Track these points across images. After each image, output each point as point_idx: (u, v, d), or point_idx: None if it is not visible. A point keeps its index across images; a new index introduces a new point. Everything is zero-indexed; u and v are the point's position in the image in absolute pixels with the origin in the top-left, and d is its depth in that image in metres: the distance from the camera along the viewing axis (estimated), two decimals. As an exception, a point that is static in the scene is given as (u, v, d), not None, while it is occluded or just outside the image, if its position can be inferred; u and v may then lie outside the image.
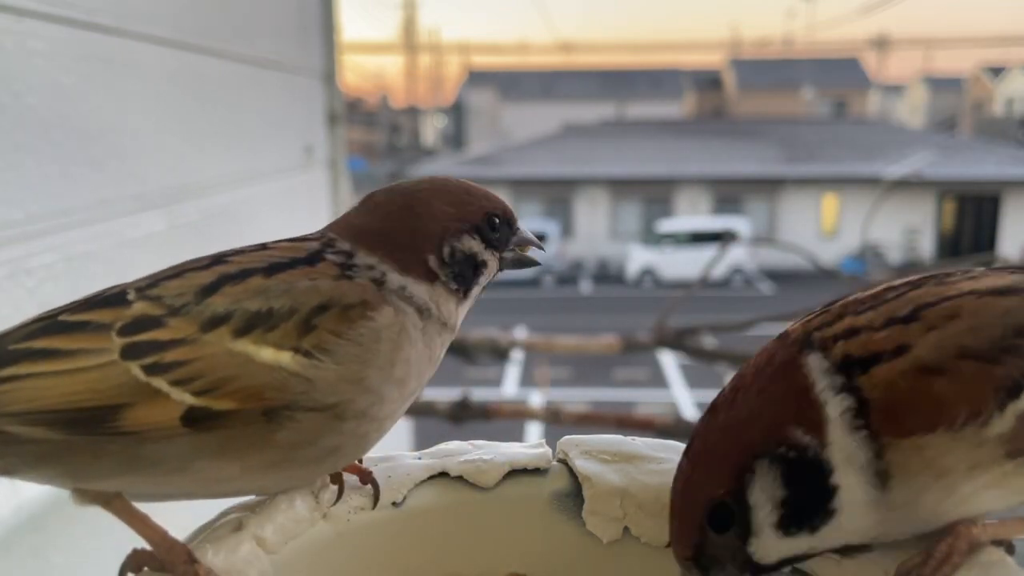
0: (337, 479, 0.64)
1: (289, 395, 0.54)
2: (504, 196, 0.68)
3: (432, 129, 41.28)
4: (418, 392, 0.62)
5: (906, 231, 19.99)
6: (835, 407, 0.52)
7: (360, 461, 0.66)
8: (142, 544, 0.57)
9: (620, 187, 21.14)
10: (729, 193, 20.97)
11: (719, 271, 15.64)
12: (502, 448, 0.68)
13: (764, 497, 0.52)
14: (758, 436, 0.52)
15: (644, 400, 10.69)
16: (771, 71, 35.97)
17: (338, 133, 2.84)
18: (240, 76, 1.98)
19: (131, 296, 0.57)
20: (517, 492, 0.64)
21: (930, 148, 20.71)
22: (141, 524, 0.57)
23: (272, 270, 0.58)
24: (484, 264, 0.66)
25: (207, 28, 1.74)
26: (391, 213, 0.63)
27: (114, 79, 1.34)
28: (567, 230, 20.79)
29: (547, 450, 0.68)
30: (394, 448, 0.71)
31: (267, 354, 0.54)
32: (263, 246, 0.61)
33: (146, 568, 0.56)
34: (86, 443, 0.53)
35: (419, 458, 0.68)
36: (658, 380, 11.64)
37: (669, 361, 11.98)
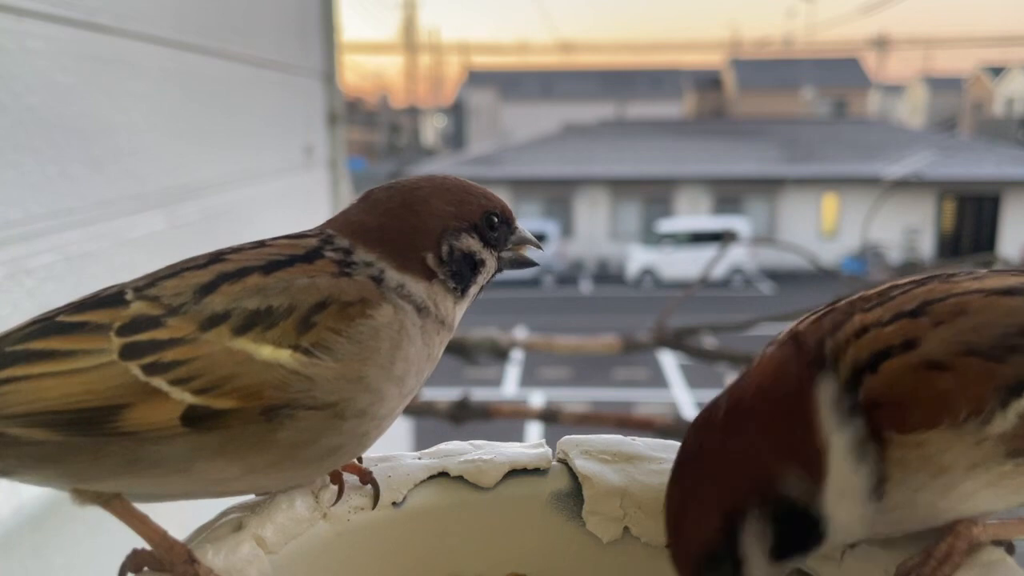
0: (337, 479, 0.64)
1: (289, 393, 0.53)
2: (504, 196, 0.68)
3: (432, 129, 41.28)
4: (416, 390, 0.62)
5: (906, 231, 19.99)
6: (842, 442, 0.51)
7: (360, 460, 0.66)
8: (142, 544, 0.57)
9: (620, 187, 21.13)
10: (729, 193, 20.97)
11: (719, 271, 15.64)
12: (502, 448, 0.68)
13: (755, 542, 0.52)
14: (751, 480, 0.52)
15: (644, 400, 10.68)
16: (771, 71, 35.97)
17: (338, 133, 2.84)
18: (240, 76, 1.98)
19: (129, 296, 0.56)
20: (517, 492, 0.64)
21: (930, 148, 20.71)
22: (140, 524, 0.57)
23: (270, 268, 0.57)
24: (482, 263, 0.65)
25: (207, 28, 1.74)
26: (390, 210, 0.63)
27: (114, 79, 1.34)
28: (567, 230, 20.79)
29: (547, 450, 0.67)
30: (394, 448, 0.71)
31: (266, 352, 0.53)
32: (261, 243, 0.61)
33: (146, 568, 0.56)
34: (86, 444, 0.53)
35: (419, 458, 0.68)
36: (658, 380, 11.64)
37: (669, 361, 11.97)
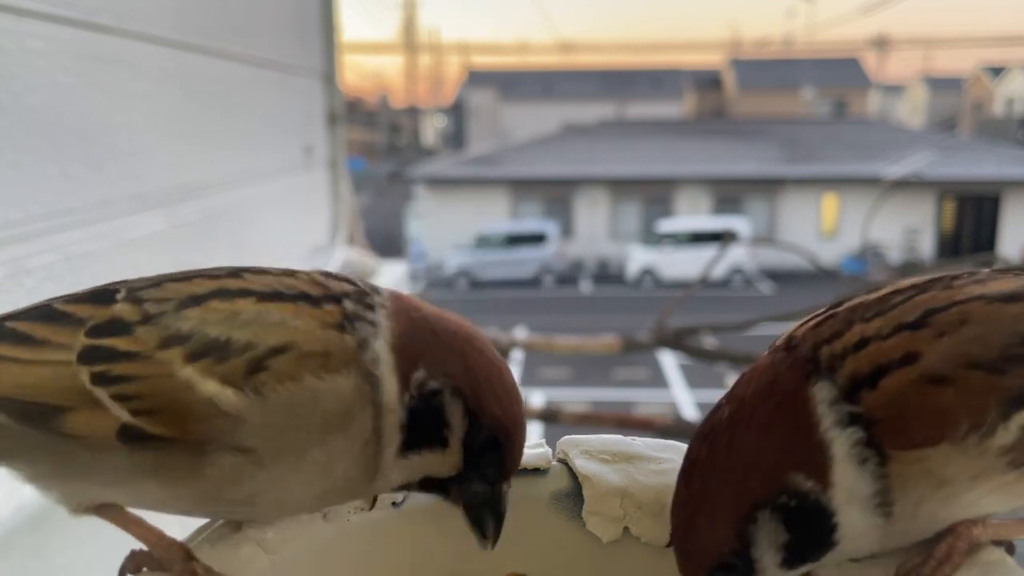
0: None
1: (218, 432, 0.51)
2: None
3: (432, 129, 41.29)
4: (326, 505, 0.58)
5: (906, 231, 19.99)
6: (842, 445, 0.51)
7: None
8: (141, 545, 0.57)
9: (620, 187, 21.13)
10: (729, 193, 20.97)
11: (719, 271, 15.64)
12: (502, 448, 0.68)
13: (767, 545, 0.52)
14: (759, 486, 0.52)
15: (644, 400, 10.69)
16: (771, 71, 35.97)
17: (338, 133, 2.84)
18: (240, 76, 1.98)
19: (120, 295, 0.56)
20: (517, 492, 0.64)
21: (930, 148, 20.71)
22: (136, 528, 0.57)
23: (271, 297, 0.55)
24: (440, 444, 0.56)
25: (207, 28, 1.74)
26: (438, 315, 0.58)
27: (114, 79, 1.34)
28: (567, 230, 20.79)
29: (547, 450, 0.67)
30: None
31: (210, 387, 0.51)
32: (292, 272, 0.58)
33: (145, 568, 0.56)
34: (38, 438, 0.53)
35: (419, 458, 0.67)
36: (658, 380, 11.64)
37: (669, 361, 11.98)
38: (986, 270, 0.57)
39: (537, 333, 6.53)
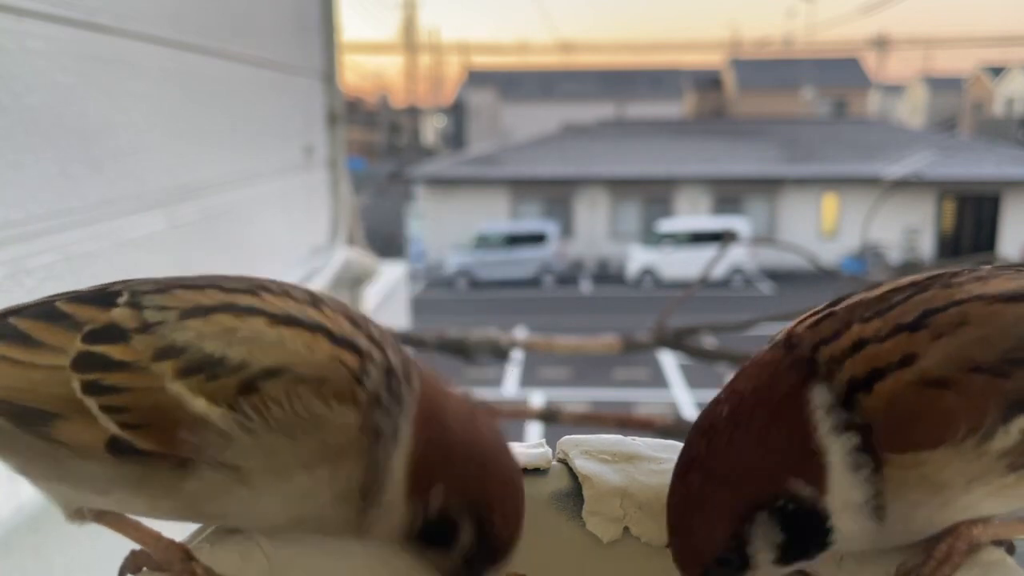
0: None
1: (204, 449, 0.51)
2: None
3: (432, 129, 41.30)
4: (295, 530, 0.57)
5: (906, 231, 19.99)
6: (837, 451, 0.51)
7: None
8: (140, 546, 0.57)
9: (620, 187, 21.14)
10: (729, 193, 20.97)
11: (719, 271, 15.65)
12: (502, 448, 0.68)
13: (763, 545, 0.53)
14: (757, 488, 0.52)
15: (644, 400, 10.68)
16: (771, 71, 35.97)
17: (338, 133, 2.84)
18: (240, 76, 1.98)
19: (122, 298, 0.55)
20: (517, 492, 0.64)
21: (930, 148, 20.71)
22: (135, 531, 0.57)
23: (283, 321, 0.53)
24: (444, 550, 0.55)
25: (207, 28, 1.74)
26: (451, 428, 0.56)
27: (114, 79, 1.34)
28: (567, 230, 20.79)
29: (547, 450, 0.67)
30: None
31: (199, 405, 0.50)
32: (317, 304, 0.56)
33: (145, 568, 0.56)
34: (29, 440, 0.53)
35: (419, 458, 0.67)
36: (658, 380, 11.64)
37: (669, 361, 11.98)
38: (987, 267, 0.56)
39: (537, 333, 6.53)
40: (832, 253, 17.98)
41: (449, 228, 20.13)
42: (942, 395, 0.49)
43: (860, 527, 0.52)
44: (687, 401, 10.69)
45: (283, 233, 2.32)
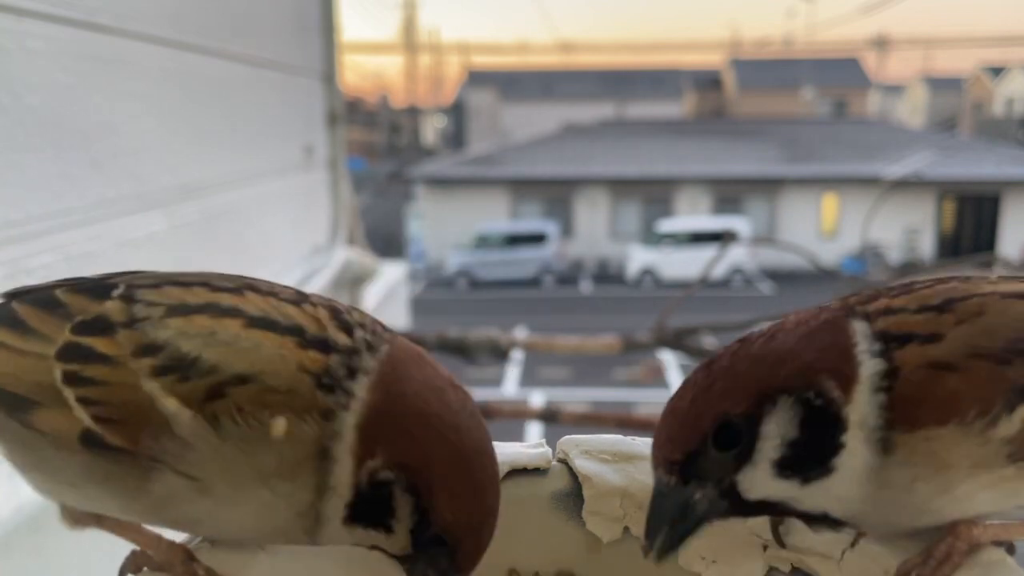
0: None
1: (168, 453, 0.50)
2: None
3: (432, 129, 41.30)
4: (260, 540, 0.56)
5: (906, 231, 20.00)
6: (868, 368, 0.52)
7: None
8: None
9: (620, 187, 21.14)
10: (729, 193, 20.97)
11: (719, 271, 15.65)
12: (502, 448, 0.68)
13: (776, 431, 0.52)
14: (791, 372, 0.52)
15: (644, 400, 10.68)
16: (771, 71, 35.97)
17: (338, 133, 2.85)
18: (240, 76, 1.98)
19: (116, 291, 0.55)
20: (517, 492, 0.64)
21: (930, 148, 20.72)
22: (134, 534, 0.57)
23: (260, 323, 0.53)
24: (385, 528, 0.53)
25: (207, 28, 1.74)
26: (410, 392, 0.53)
27: (114, 79, 1.34)
28: (567, 230, 20.79)
29: (547, 450, 0.67)
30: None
31: (170, 405, 0.50)
32: (302, 299, 0.55)
33: (145, 568, 0.56)
34: (14, 427, 0.53)
35: (419, 458, 0.67)
36: (658, 380, 11.64)
37: (669, 361, 11.98)
38: (994, 275, 0.58)
39: (537, 333, 6.54)
40: (832, 253, 17.99)
41: (449, 228, 20.13)
42: (953, 377, 0.50)
43: (866, 459, 0.52)
44: (687, 401, 10.67)
45: (283, 233, 2.32)
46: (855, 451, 0.52)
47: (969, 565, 0.53)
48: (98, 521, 0.56)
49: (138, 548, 0.57)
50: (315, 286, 2.35)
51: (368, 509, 0.52)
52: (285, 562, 0.60)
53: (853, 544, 0.58)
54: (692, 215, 20.36)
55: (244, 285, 0.56)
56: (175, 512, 0.53)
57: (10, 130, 1.06)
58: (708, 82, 38.39)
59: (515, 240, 19.24)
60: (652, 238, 19.23)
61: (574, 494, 0.65)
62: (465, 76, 37.04)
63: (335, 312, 0.55)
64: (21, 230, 1.08)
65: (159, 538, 0.56)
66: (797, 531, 0.60)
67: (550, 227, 19.60)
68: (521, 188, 20.96)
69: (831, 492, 0.53)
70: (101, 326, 0.53)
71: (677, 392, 0.55)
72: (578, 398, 10.09)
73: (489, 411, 2.86)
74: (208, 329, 0.52)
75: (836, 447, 0.52)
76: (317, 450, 0.51)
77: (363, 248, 3.15)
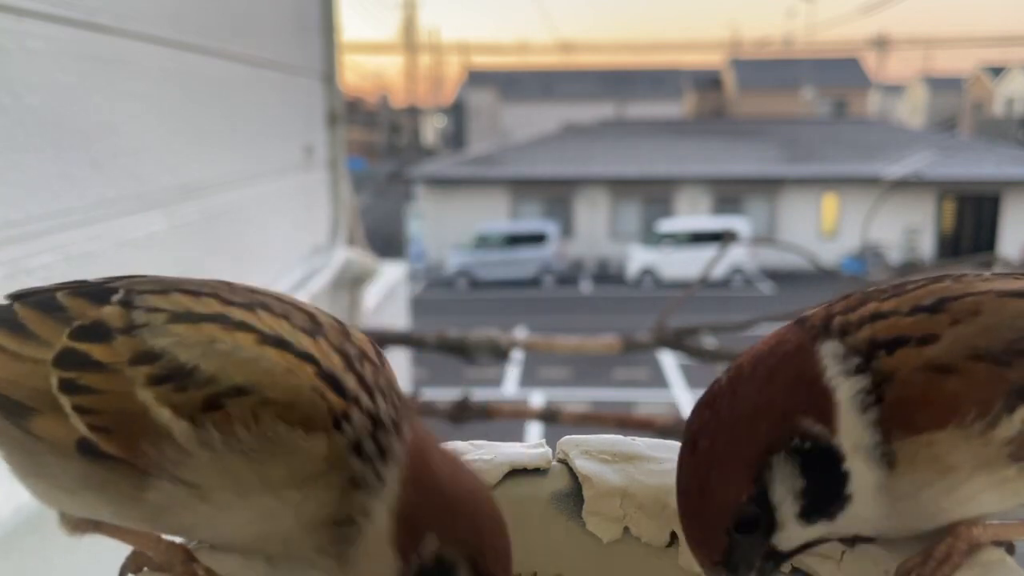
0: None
1: (165, 462, 0.50)
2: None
3: (432, 129, 41.30)
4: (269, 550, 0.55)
5: (906, 231, 20.00)
6: (846, 391, 0.51)
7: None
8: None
9: (620, 187, 21.14)
10: (729, 193, 20.97)
11: (719, 271, 15.65)
12: (502, 448, 0.68)
13: (785, 491, 0.52)
14: (770, 430, 0.51)
15: (644, 400, 10.68)
16: (771, 71, 35.97)
17: (338, 133, 2.85)
18: (240, 76, 1.98)
19: (116, 296, 0.54)
20: (517, 492, 0.64)
21: (930, 148, 20.72)
22: (133, 536, 0.56)
23: (272, 342, 0.51)
24: None
25: (207, 28, 1.74)
26: (440, 479, 0.54)
27: (114, 79, 1.34)
28: (567, 230, 20.79)
29: (547, 450, 0.67)
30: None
31: (164, 415, 0.49)
32: (314, 335, 0.54)
33: (145, 568, 0.56)
34: (13, 432, 0.53)
35: (419, 458, 0.67)
36: (658, 380, 11.64)
37: (669, 361, 11.98)
38: (988, 273, 0.58)
39: (537, 333, 6.53)
40: (832, 253, 17.99)
41: (449, 228, 20.13)
42: (954, 379, 0.50)
43: (874, 477, 0.51)
44: (687, 401, 10.69)
45: (283, 233, 2.32)
46: (861, 473, 0.51)
47: (969, 565, 0.53)
48: (97, 528, 0.56)
49: (138, 548, 0.57)
50: (315, 286, 2.35)
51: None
52: (287, 565, 0.60)
53: (853, 545, 0.58)
54: (692, 215, 20.35)
55: (257, 303, 0.54)
56: (173, 519, 0.52)
57: (10, 130, 1.06)
58: (708, 82, 38.39)
59: (515, 240, 19.23)
60: (652, 238, 19.23)
61: (574, 494, 0.65)
62: (465, 76, 37.04)
63: (348, 359, 0.53)
64: (21, 230, 1.08)
65: (159, 538, 0.56)
66: (797, 531, 0.60)
67: (550, 227, 19.59)
68: (521, 188, 20.96)
69: (857, 516, 0.53)
70: (99, 332, 0.52)
71: (680, 484, 0.54)
72: (578, 398, 10.09)
73: (489, 411, 2.86)
74: (210, 339, 0.51)
75: (844, 476, 0.52)
76: (329, 471, 0.50)
77: (363, 248, 3.15)
